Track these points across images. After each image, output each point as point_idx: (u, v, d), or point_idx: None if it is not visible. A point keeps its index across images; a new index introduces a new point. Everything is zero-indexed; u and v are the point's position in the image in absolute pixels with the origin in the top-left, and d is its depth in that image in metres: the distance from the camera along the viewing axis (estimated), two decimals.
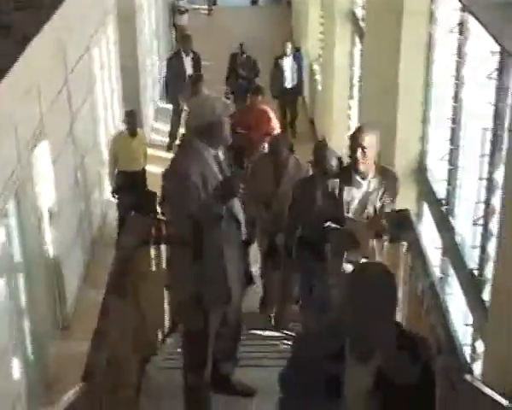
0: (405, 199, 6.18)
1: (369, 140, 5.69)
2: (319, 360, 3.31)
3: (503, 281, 4.83)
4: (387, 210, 5.95)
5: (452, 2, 6.39)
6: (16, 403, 7.16)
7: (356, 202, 5.90)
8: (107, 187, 11.55)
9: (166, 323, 6.93)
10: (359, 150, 5.70)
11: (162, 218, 6.21)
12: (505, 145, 5.19)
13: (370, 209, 5.88)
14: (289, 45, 14.35)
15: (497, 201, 5.39)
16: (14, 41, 6.72)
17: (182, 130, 9.09)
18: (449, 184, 6.79)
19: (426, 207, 7.43)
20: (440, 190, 7.03)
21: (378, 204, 5.89)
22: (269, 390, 5.62)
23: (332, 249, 6.23)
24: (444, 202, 6.89)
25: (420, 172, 7.59)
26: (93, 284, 9.49)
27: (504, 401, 3.66)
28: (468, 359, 5.25)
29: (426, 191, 7.41)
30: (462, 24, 6.38)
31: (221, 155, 5.24)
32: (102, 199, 11.89)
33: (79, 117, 10.25)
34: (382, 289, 3.17)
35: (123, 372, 5.26)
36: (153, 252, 6.30)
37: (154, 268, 6.34)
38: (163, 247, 6.18)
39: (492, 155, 5.45)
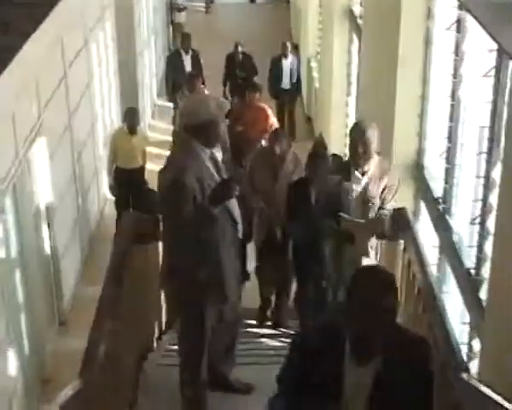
0: (402, 197, 6.17)
1: (370, 135, 5.69)
2: (317, 361, 3.31)
3: (500, 280, 4.83)
4: (388, 206, 5.95)
5: (450, 0, 6.38)
6: (13, 399, 7.16)
7: (355, 198, 5.90)
8: (105, 183, 11.56)
9: (163, 320, 6.93)
10: (360, 146, 5.69)
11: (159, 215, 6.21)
12: (502, 143, 5.19)
13: (370, 205, 5.87)
14: (289, 46, 14.31)
15: (494, 199, 5.38)
16: (13, 37, 6.71)
17: None
18: (446, 182, 6.79)
19: (423, 205, 7.42)
20: (437, 189, 7.03)
21: (378, 200, 5.90)
22: (265, 388, 5.64)
23: (330, 248, 6.23)
24: (441, 200, 6.89)
25: (417, 170, 7.59)
26: (90, 280, 9.49)
27: (501, 400, 3.67)
28: (465, 357, 5.25)
29: (423, 189, 7.41)
30: (459, 22, 6.37)
31: (219, 154, 5.24)
32: (100, 195, 11.89)
33: (77, 112, 10.24)
34: (383, 292, 3.17)
35: (120, 369, 5.25)
36: (150, 249, 6.29)
37: (150, 265, 6.33)
38: (160, 244, 6.17)
39: (490, 153, 5.45)
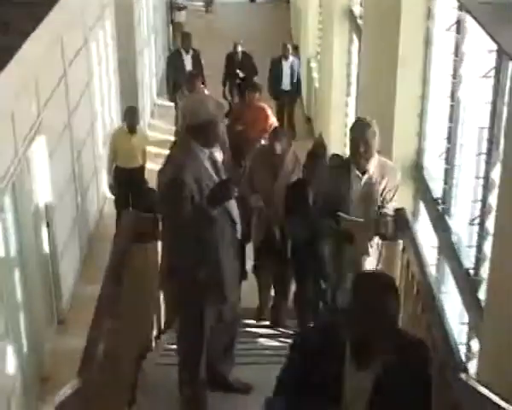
0: (402, 197, 6.17)
1: (371, 134, 5.64)
2: (317, 362, 3.30)
3: (499, 280, 4.84)
4: (389, 206, 5.92)
5: (450, 1, 6.39)
6: (11, 397, 7.17)
7: (355, 197, 5.84)
8: (105, 182, 11.56)
9: (162, 319, 6.93)
10: (361, 145, 5.64)
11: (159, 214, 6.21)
12: (502, 144, 5.20)
13: (371, 205, 5.83)
14: (289, 48, 14.29)
15: (493, 200, 5.39)
16: (12, 36, 6.71)
17: None
18: (445, 182, 6.79)
19: (422, 205, 7.43)
20: (437, 189, 7.03)
21: (379, 199, 5.85)
22: (264, 388, 5.64)
23: (329, 248, 6.22)
24: (440, 200, 6.89)
25: (416, 170, 7.60)
26: (89, 279, 9.49)
27: (499, 400, 3.67)
28: (464, 358, 5.25)
29: (422, 190, 7.41)
30: (459, 22, 6.38)
31: (219, 154, 5.23)
32: (99, 194, 11.89)
33: (76, 111, 10.24)
34: (385, 296, 3.17)
35: (118, 368, 5.25)
36: (149, 248, 6.29)
37: (150, 264, 6.33)
38: (159, 243, 6.17)
39: (489, 153, 5.45)
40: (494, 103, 5.36)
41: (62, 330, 8.98)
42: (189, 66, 13.50)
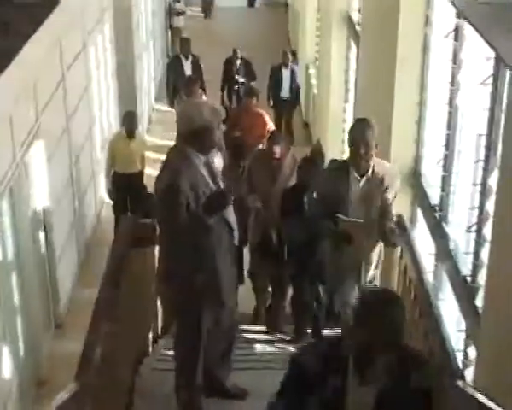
0: (399, 204, 6.16)
1: (372, 134, 5.55)
2: (319, 378, 3.29)
3: (496, 287, 4.84)
4: (390, 208, 5.83)
5: (448, 8, 6.40)
6: (8, 402, 7.16)
7: (354, 199, 5.76)
8: (102, 187, 11.56)
9: (159, 324, 6.93)
10: (362, 147, 5.54)
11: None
12: (499, 151, 5.21)
13: (371, 206, 5.76)
14: (289, 56, 14.27)
15: (490, 207, 5.40)
16: (11, 39, 6.72)
17: None
18: (443, 189, 6.80)
19: (419, 212, 7.43)
20: (434, 196, 7.04)
21: (379, 202, 5.76)
22: (260, 393, 5.64)
23: (327, 249, 6.18)
24: (437, 207, 6.90)
25: (414, 177, 7.61)
26: (87, 283, 9.49)
27: (496, 407, 3.67)
28: (461, 365, 5.26)
29: (420, 197, 7.42)
30: (457, 29, 6.40)
31: (219, 160, 5.23)
32: (97, 199, 11.89)
33: (75, 116, 10.25)
34: (390, 314, 3.16)
35: (116, 372, 5.25)
36: (147, 253, 6.29)
37: (148, 269, 6.33)
38: (157, 248, 6.18)
39: (487, 160, 5.46)
40: (492, 110, 5.38)
41: (59, 334, 8.97)
42: (188, 71, 13.49)
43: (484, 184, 5.51)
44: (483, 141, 5.56)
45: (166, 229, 5.18)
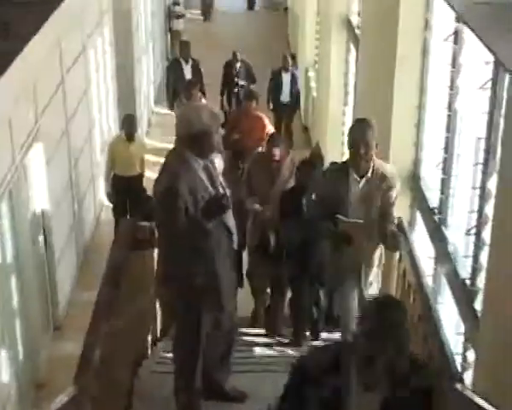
0: (398, 207, 6.16)
1: (372, 134, 5.49)
2: (323, 383, 3.28)
3: (495, 291, 4.85)
4: (390, 210, 5.78)
5: (447, 12, 6.41)
6: (6, 404, 7.16)
7: (353, 200, 5.69)
8: (102, 190, 11.56)
9: (158, 327, 6.93)
10: (362, 147, 5.47)
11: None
12: (499, 155, 5.21)
13: (371, 207, 5.69)
14: (289, 60, 14.24)
15: (490, 210, 5.40)
16: (11, 41, 6.73)
17: None
18: (442, 192, 6.81)
19: (419, 215, 7.44)
20: (433, 199, 7.05)
21: (379, 203, 5.69)
22: (259, 396, 5.65)
23: (327, 250, 6.14)
24: (437, 210, 6.91)
25: (413, 180, 7.61)
26: (86, 286, 9.49)
27: None
28: (460, 368, 5.26)
29: (419, 200, 7.43)
30: (456, 33, 6.40)
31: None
32: (96, 201, 11.89)
33: (74, 118, 10.25)
34: (395, 322, 3.15)
35: (115, 375, 5.25)
36: (146, 256, 6.29)
37: (147, 272, 6.33)
38: (156, 251, 6.18)
39: (486, 164, 5.47)
40: (491, 114, 5.39)
41: (58, 336, 8.97)
42: (188, 75, 13.46)
43: (483, 187, 5.52)
44: (482, 144, 5.56)
45: (165, 232, 5.18)
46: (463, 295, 5.81)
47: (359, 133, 5.53)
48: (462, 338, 5.94)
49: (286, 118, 14.56)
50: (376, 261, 6.06)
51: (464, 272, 5.94)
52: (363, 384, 3.25)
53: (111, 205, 10.92)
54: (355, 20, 11.20)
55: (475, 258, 5.66)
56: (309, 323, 7.45)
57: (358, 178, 5.65)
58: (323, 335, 7.50)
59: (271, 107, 14.27)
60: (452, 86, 6.50)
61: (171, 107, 13.51)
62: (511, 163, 4.68)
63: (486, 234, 5.43)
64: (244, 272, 8.14)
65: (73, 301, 9.55)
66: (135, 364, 6.08)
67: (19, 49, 6.59)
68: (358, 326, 3.26)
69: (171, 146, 5.31)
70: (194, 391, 5.47)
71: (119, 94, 13.75)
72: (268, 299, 8.08)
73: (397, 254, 6.20)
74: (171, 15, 20.38)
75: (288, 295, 7.63)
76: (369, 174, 5.65)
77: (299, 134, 15.30)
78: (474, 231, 5.73)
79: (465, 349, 5.85)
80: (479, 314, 5.39)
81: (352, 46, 11.59)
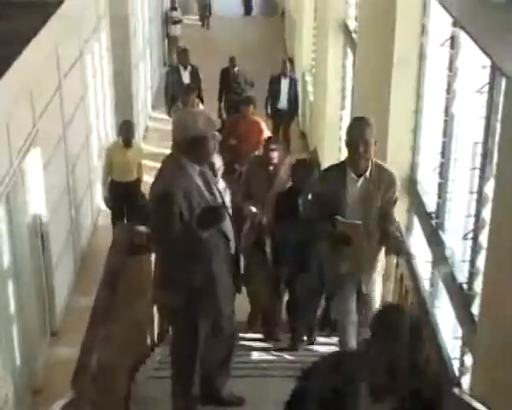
0: (395, 211, 6.16)
1: (371, 132, 5.43)
2: (334, 394, 3.25)
3: (492, 295, 4.85)
4: (391, 211, 5.71)
5: (444, 17, 6.42)
6: (4, 409, 7.15)
7: (351, 200, 5.62)
8: (99, 194, 11.56)
9: (155, 332, 6.92)
10: (361, 145, 5.40)
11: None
12: (495, 159, 5.22)
13: (369, 208, 5.61)
14: (288, 66, 14.21)
15: (487, 214, 5.41)
16: (10, 45, 6.74)
17: None
18: (439, 197, 6.81)
19: (416, 220, 7.44)
20: (430, 203, 7.05)
21: (378, 203, 5.62)
22: (256, 401, 5.65)
23: (325, 251, 6.09)
24: (434, 215, 6.91)
25: (410, 184, 7.62)
26: (83, 291, 9.47)
27: None
28: (457, 372, 5.26)
29: (416, 204, 7.43)
30: (453, 38, 6.42)
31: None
32: (93, 206, 11.88)
33: (71, 123, 10.25)
34: (409, 335, 3.10)
35: (112, 381, 5.25)
36: (143, 261, 6.29)
37: (144, 277, 6.33)
38: (153, 256, 6.18)
39: (483, 168, 5.48)
40: (488, 118, 5.39)
41: (55, 341, 8.96)
42: (187, 81, 13.41)
43: (480, 191, 5.52)
44: (479, 149, 5.57)
45: (159, 238, 5.17)
46: (460, 299, 5.82)
47: (358, 131, 5.46)
48: (459, 342, 5.94)
49: (284, 124, 14.52)
50: (379, 266, 5.97)
51: (461, 276, 5.94)
52: (373, 395, 3.20)
53: (109, 210, 10.92)
54: (352, 24, 11.22)
55: (472, 262, 5.67)
56: (306, 327, 7.44)
57: (356, 178, 5.58)
58: (320, 339, 7.49)
59: (269, 113, 14.19)
60: (449, 90, 6.51)
61: (169, 112, 13.50)
62: (508, 167, 4.68)
63: (483, 238, 5.44)
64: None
65: (71, 307, 9.54)
66: (132, 369, 6.07)
67: (16, 53, 6.59)
68: (371, 335, 3.20)
69: (168, 151, 5.31)
70: (191, 396, 5.47)
71: (117, 99, 13.75)
72: (264, 303, 8.06)
73: (394, 259, 6.19)
74: (168, 21, 20.40)
75: (285, 297, 7.61)
76: (368, 173, 5.58)
77: (296, 140, 15.28)
78: (471, 235, 5.74)
79: (462, 353, 5.85)
80: (476, 318, 5.39)
81: (349, 50, 11.60)
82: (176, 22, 20.35)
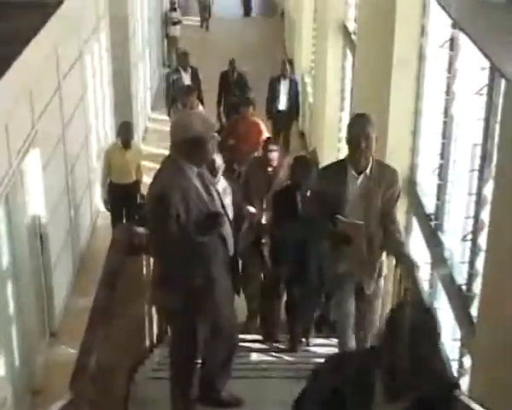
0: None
1: (372, 128, 5.35)
2: (347, 392, 3.22)
3: (491, 296, 4.85)
4: (392, 210, 5.62)
5: (443, 18, 6.43)
6: None
7: (352, 198, 5.52)
8: (98, 195, 11.56)
9: (154, 333, 6.92)
10: (363, 140, 5.30)
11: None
12: (494, 161, 5.22)
13: (370, 206, 5.51)
14: (288, 67, 14.18)
15: (486, 216, 5.41)
16: (9, 45, 6.74)
17: None
18: (438, 198, 6.81)
19: (415, 221, 7.45)
20: (429, 205, 7.05)
21: (379, 202, 5.52)
22: (255, 402, 5.65)
23: (325, 250, 6.05)
24: (433, 216, 6.91)
25: (409, 185, 7.62)
26: (82, 291, 9.48)
27: None
28: (456, 373, 5.26)
29: (415, 205, 7.43)
30: (452, 39, 6.42)
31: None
32: (92, 207, 11.88)
33: (71, 124, 10.25)
34: (425, 330, 3.04)
35: (111, 381, 5.25)
36: (142, 261, 6.29)
37: (143, 277, 6.33)
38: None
39: (482, 170, 5.48)
40: (487, 120, 5.40)
41: (54, 342, 8.96)
42: (187, 82, 13.41)
43: (479, 193, 5.52)
44: (478, 150, 5.57)
45: (156, 239, 5.16)
46: (459, 300, 5.82)
47: (360, 127, 5.37)
48: (458, 344, 5.94)
49: (284, 125, 14.46)
50: (383, 266, 5.88)
51: (460, 277, 5.94)
52: (385, 395, 3.17)
53: (108, 211, 10.91)
54: (351, 25, 11.22)
55: (471, 264, 5.67)
56: (305, 328, 7.44)
57: (356, 175, 5.48)
58: (319, 341, 7.49)
59: (269, 115, 14.12)
60: (448, 92, 6.51)
61: (169, 114, 13.49)
62: (507, 169, 4.69)
63: (482, 240, 5.43)
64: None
65: (70, 307, 9.54)
66: (131, 369, 6.07)
67: (16, 54, 6.59)
68: (386, 332, 3.13)
69: (167, 152, 5.30)
70: (190, 397, 5.47)
71: (116, 100, 13.75)
72: (262, 304, 8.05)
73: (393, 260, 6.18)
74: (167, 22, 20.39)
75: (284, 298, 7.61)
76: (368, 171, 5.48)
77: (295, 140, 15.26)
78: (470, 236, 5.74)
79: (461, 355, 5.85)
80: (475, 320, 5.39)
81: (348, 52, 11.61)
82: (175, 23, 20.35)
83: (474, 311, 5.54)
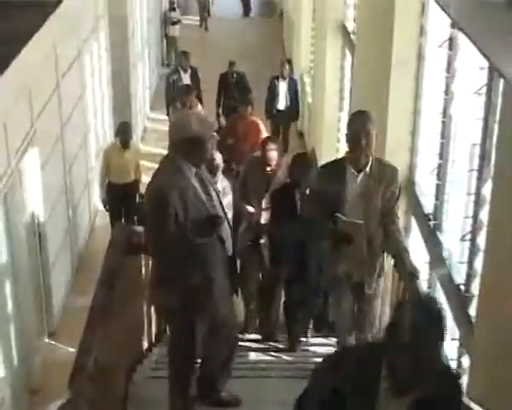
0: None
1: (372, 125, 5.31)
2: (353, 387, 3.20)
3: (489, 296, 4.85)
4: (393, 209, 5.59)
5: (442, 18, 6.43)
6: (1, 409, 7.15)
7: (351, 197, 5.48)
8: (96, 195, 11.56)
9: (153, 332, 6.92)
10: (363, 137, 5.25)
11: None
12: (493, 161, 5.22)
13: (369, 205, 5.48)
14: (287, 67, 14.17)
15: (484, 216, 5.41)
16: (8, 45, 6.73)
17: None
18: (437, 198, 6.81)
19: (414, 221, 7.45)
20: (428, 205, 7.05)
21: (379, 202, 5.49)
22: (253, 401, 5.65)
23: (325, 249, 6.03)
24: (431, 216, 6.91)
25: (408, 185, 7.62)
26: (80, 291, 9.48)
27: None
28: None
29: (414, 205, 7.43)
30: (451, 39, 6.42)
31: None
32: (91, 206, 11.88)
33: (69, 123, 10.24)
34: (433, 323, 3.01)
35: (109, 381, 5.24)
36: (141, 261, 6.29)
37: (142, 277, 6.33)
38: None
39: (481, 170, 5.48)
40: (486, 120, 5.40)
41: (53, 341, 8.95)
42: (187, 82, 13.41)
43: (478, 193, 5.52)
44: (477, 150, 5.57)
45: (154, 238, 5.16)
46: (458, 300, 5.82)
47: (360, 124, 5.32)
48: (456, 344, 5.94)
49: (283, 125, 14.46)
50: (383, 265, 5.88)
51: (459, 277, 5.94)
52: (391, 391, 3.16)
53: (106, 211, 10.91)
54: (350, 25, 11.22)
55: (470, 264, 5.67)
56: (304, 328, 7.43)
57: (356, 173, 5.44)
58: (317, 340, 7.49)
59: (268, 114, 14.10)
60: (447, 92, 6.52)
61: (169, 113, 13.48)
62: (506, 169, 4.69)
63: (481, 240, 5.43)
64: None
65: (68, 307, 9.54)
66: (129, 369, 6.07)
67: (15, 53, 6.59)
68: (393, 326, 3.10)
69: (166, 152, 5.30)
70: (188, 396, 5.47)
71: (115, 100, 13.75)
72: (261, 303, 8.05)
73: (391, 260, 6.18)
74: (166, 21, 20.39)
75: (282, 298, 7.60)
76: (368, 169, 5.44)
77: (294, 140, 15.26)
78: (468, 236, 5.74)
79: (460, 355, 5.85)
80: (473, 320, 5.39)
81: (347, 52, 11.61)
82: (174, 23, 20.35)
83: (472, 311, 5.54)
